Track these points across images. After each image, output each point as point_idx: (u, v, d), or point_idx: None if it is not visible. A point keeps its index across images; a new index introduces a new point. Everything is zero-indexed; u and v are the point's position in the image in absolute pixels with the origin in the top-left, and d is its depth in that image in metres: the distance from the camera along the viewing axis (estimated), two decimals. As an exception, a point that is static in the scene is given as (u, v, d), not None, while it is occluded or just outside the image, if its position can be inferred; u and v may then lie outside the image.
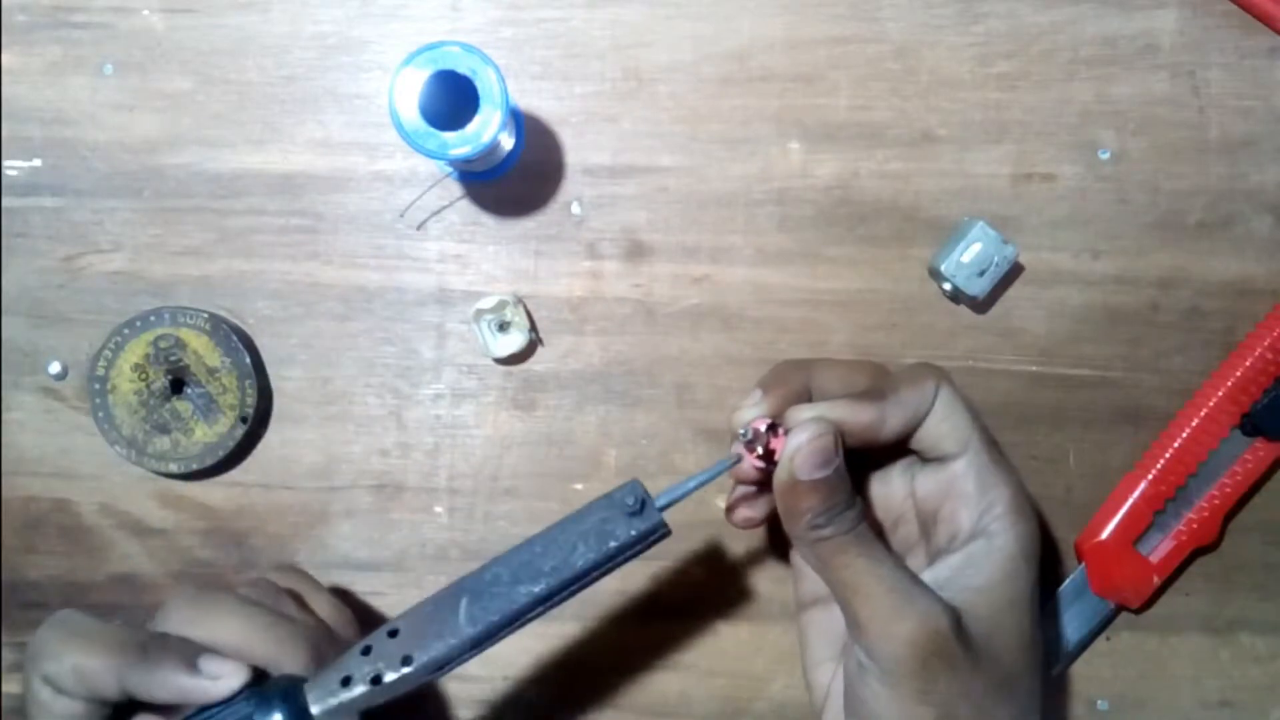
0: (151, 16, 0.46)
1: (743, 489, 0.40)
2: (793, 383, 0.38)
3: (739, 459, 0.37)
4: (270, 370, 0.46)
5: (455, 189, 0.46)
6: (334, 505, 0.47)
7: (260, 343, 0.46)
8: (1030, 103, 0.45)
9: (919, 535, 0.40)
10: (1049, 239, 0.46)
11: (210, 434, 0.45)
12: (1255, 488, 0.45)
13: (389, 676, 0.32)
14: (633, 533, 0.35)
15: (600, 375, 0.46)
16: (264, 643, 0.35)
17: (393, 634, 0.33)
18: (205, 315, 0.45)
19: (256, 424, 0.46)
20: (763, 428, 0.36)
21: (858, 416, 0.37)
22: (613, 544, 0.34)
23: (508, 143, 0.44)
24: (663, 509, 0.35)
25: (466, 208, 0.46)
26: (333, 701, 0.32)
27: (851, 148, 0.46)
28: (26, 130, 0.46)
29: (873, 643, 0.35)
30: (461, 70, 0.39)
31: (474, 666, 0.46)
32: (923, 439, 0.38)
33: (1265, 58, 0.45)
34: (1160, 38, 0.45)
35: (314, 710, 0.32)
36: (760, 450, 0.36)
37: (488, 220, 0.46)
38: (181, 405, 0.45)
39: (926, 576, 0.37)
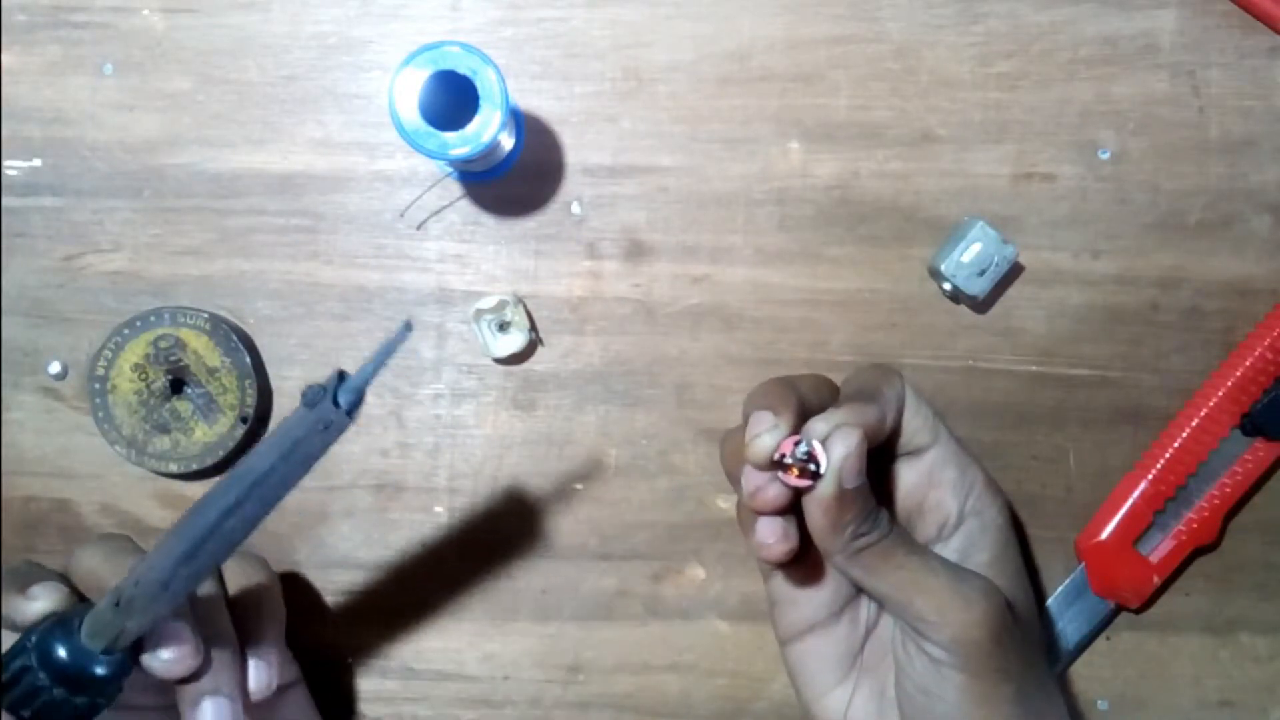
0: (151, 16, 0.46)
1: (769, 521, 0.36)
2: (793, 400, 0.37)
3: (408, 327, 0.34)
4: (270, 370, 0.46)
5: (455, 189, 0.46)
6: (334, 505, 0.47)
7: (260, 343, 0.46)
8: (1030, 103, 0.45)
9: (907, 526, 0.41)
10: (1049, 239, 0.46)
11: (210, 434, 0.45)
12: (1255, 488, 0.45)
13: (127, 595, 0.34)
14: (309, 424, 0.34)
15: (600, 375, 0.46)
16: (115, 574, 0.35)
17: (134, 569, 0.35)
18: (205, 315, 0.45)
19: (257, 424, 0.46)
20: (800, 448, 0.35)
21: (869, 418, 0.36)
22: (290, 441, 0.34)
23: (508, 143, 0.44)
24: (348, 400, 0.34)
25: (466, 208, 0.46)
26: (96, 623, 0.34)
27: (851, 148, 0.46)
28: (26, 130, 0.46)
29: (949, 635, 0.35)
30: (461, 70, 0.39)
31: (474, 666, 0.46)
32: (900, 433, 0.39)
33: (1265, 58, 0.45)
34: (1160, 38, 0.45)
35: (83, 630, 0.34)
36: (812, 468, 0.35)
37: (488, 220, 0.46)
38: (181, 405, 0.45)
39: None
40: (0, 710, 0.34)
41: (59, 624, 0.35)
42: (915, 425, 0.39)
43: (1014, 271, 0.45)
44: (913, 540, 0.37)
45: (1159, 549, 0.45)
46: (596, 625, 0.47)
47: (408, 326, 0.33)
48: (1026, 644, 0.37)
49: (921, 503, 0.39)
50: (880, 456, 0.40)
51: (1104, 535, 0.45)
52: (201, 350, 0.45)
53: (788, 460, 0.35)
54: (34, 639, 0.34)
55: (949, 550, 0.39)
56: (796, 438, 0.35)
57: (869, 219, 0.46)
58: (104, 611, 0.34)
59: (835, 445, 0.35)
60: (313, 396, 0.34)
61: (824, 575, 0.40)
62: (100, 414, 0.45)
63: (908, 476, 0.40)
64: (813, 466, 0.35)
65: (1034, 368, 0.46)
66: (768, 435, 0.35)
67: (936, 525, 0.39)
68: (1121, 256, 0.46)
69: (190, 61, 0.46)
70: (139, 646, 0.35)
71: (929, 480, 0.39)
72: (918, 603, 0.35)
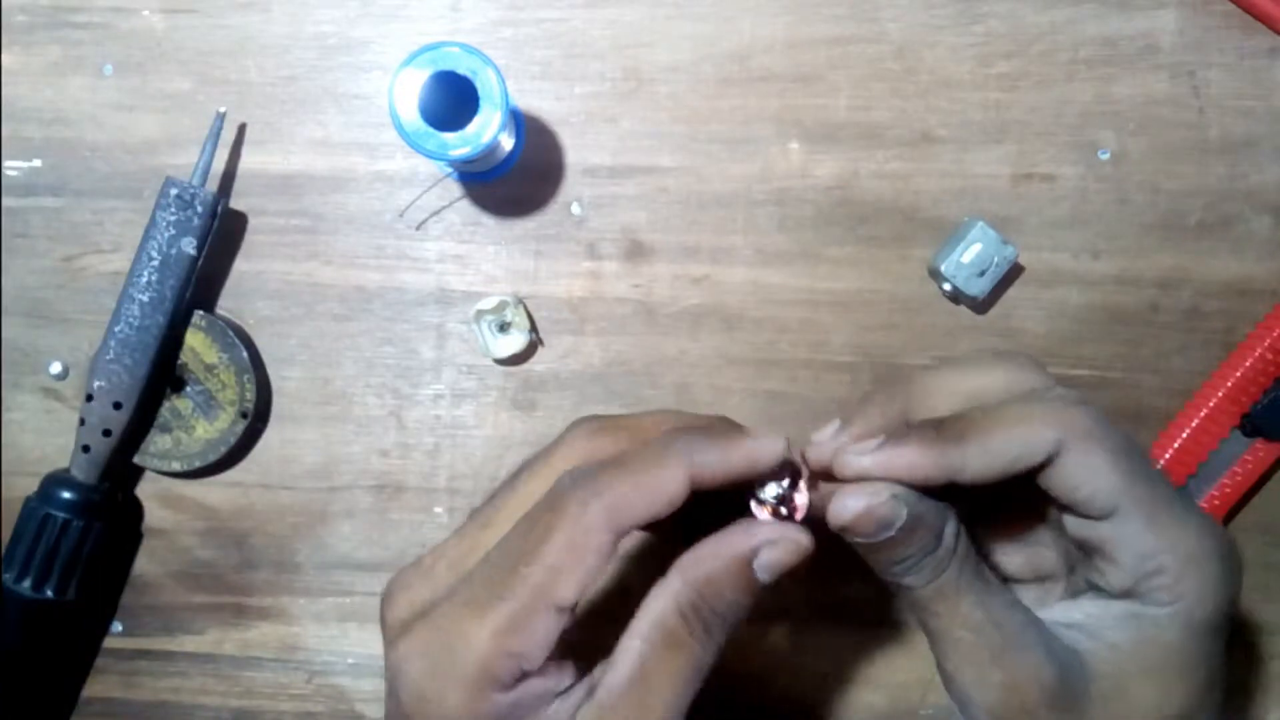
0: (151, 16, 0.46)
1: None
2: (882, 412, 0.31)
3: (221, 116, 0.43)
4: (270, 370, 0.46)
5: (455, 189, 0.46)
6: (334, 505, 0.47)
7: (260, 343, 0.46)
8: (1030, 103, 0.45)
9: (1061, 563, 0.33)
10: (1049, 239, 0.46)
11: (211, 430, 0.45)
12: (1255, 488, 0.45)
13: (85, 411, 0.43)
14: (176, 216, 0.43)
15: (600, 375, 0.46)
16: None
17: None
18: (200, 313, 0.45)
19: (257, 419, 0.46)
20: (774, 489, 0.31)
21: (919, 468, 0.29)
22: (153, 243, 0.43)
23: (508, 143, 0.44)
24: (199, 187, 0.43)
25: (466, 208, 0.46)
26: (81, 460, 0.44)
27: (851, 148, 0.46)
28: (26, 130, 0.46)
29: (959, 695, 0.30)
30: (461, 71, 0.39)
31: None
32: (1053, 489, 0.30)
33: (1265, 58, 0.45)
34: (1160, 38, 0.45)
35: (73, 471, 0.44)
36: (784, 511, 0.31)
37: (488, 220, 0.46)
38: (181, 403, 0.45)
39: (1058, 610, 0.32)
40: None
41: (52, 477, 0.44)
42: (1074, 495, 0.29)
43: (1014, 272, 0.45)
44: (969, 588, 0.30)
45: (1159, 549, 0.45)
46: (597, 626, 0.46)
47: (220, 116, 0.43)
48: None
49: (1084, 552, 0.32)
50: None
51: (1104, 535, 0.45)
52: (198, 347, 0.45)
53: (774, 502, 0.30)
54: (37, 491, 0.44)
55: (1083, 609, 0.31)
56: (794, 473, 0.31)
57: (869, 219, 0.46)
58: (76, 450, 0.43)
59: (839, 499, 0.29)
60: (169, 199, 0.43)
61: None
62: (100, 414, 0.45)
63: (1071, 523, 0.31)
64: (784, 510, 0.31)
65: (1034, 368, 0.46)
66: (818, 445, 0.30)
67: (1092, 581, 0.32)
68: (1121, 256, 0.46)
69: (190, 61, 0.46)
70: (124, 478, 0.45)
71: (1094, 544, 0.30)
72: (938, 655, 0.31)
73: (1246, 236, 0.46)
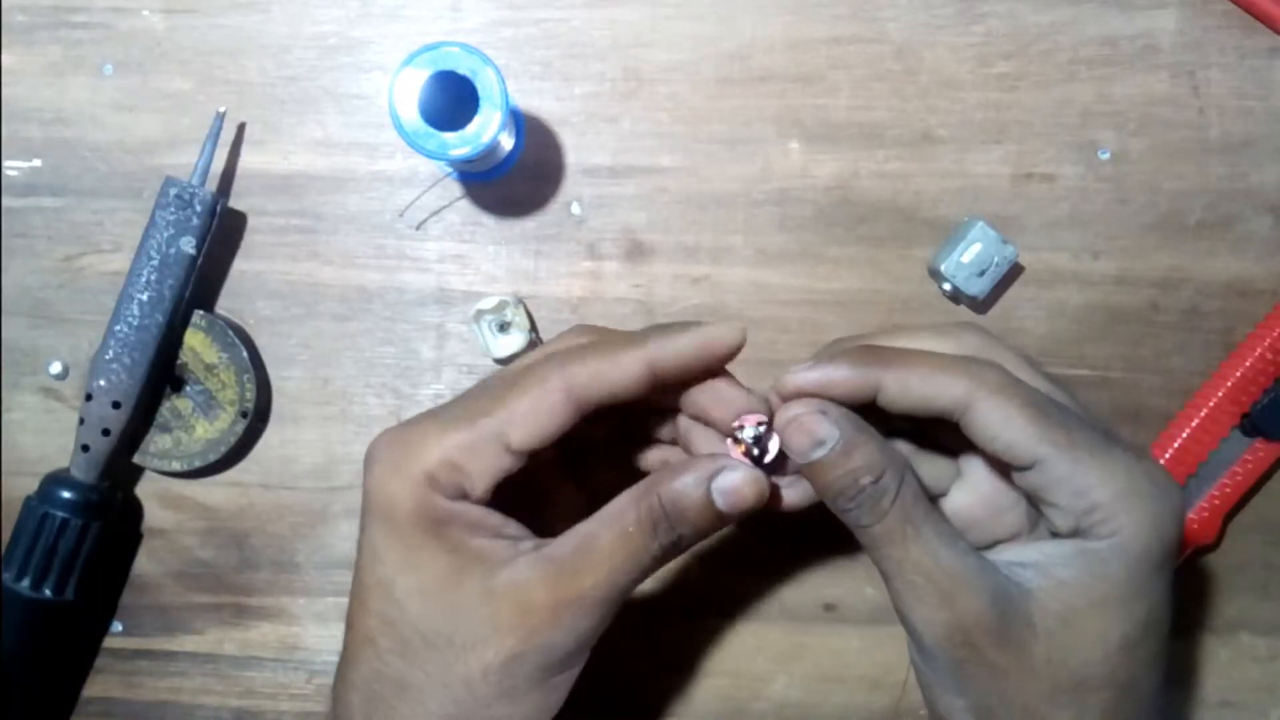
0: (151, 16, 0.46)
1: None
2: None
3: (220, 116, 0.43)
4: (270, 370, 0.46)
5: (455, 189, 0.46)
6: (334, 505, 0.47)
7: (260, 343, 0.46)
8: (1030, 103, 0.45)
9: (1025, 522, 0.36)
10: (1049, 239, 0.46)
11: (211, 430, 0.45)
12: (1255, 488, 0.45)
13: (84, 412, 0.43)
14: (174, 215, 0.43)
15: (600, 375, 0.46)
16: None
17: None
18: (200, 312, 0.45)
19: (257, 419, 0.46)
20: (759, 430, 0.33)
21: (843, 381, 0.33)
22: (153, 242, 0.43)
23: (508, 143, 0.44)
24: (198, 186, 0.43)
25: (466, 208, 0.46)
26: (80, 459, 0.44)
27: (851, 148, 0.46)
28: (26, 130, 0.46)
29: (910, 629, 0.33)
30: (461, 71, 0.39)
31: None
32: (976, 441, 0.32)
33: (1265, 58, 0.45)
34: (1160, 38, 0.45)
35: (73, 470, 0.44)
36: (756, 452, 0.33)
37: (488, 220, 0.46)
38: (181, 403, 0.45)
39: (1013, 551, 0.34)
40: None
41: (51, 476, 0.44)
42: (992, 446, 0.32)
43: (1014, 272, 0.45)
44: (916, 528, 0.32)
45: (1159, 549, 0.45)
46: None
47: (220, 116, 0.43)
48: (1029, 674, 0.32)
49: (1029, 501, 0.35)
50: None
51: (1104, 535, 0.45)
52: (199, 348, 0.45)
53: (741, 437, 0.33)
54: (37, 490, 0.44)
55: (1039, 549, 0.33)
56: (761, 418, 0.34)
57: (869, 219, 0.46)
58: (76, 450, 0.43)
59: (780, 413, 0.33)
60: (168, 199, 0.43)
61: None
62: (100, 414, 0.45)
63: (1017, 483, 0.34)
64: (755, 451, 0.33)
65: (1034, 368, 0.46)
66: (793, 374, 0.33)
67: (1046, 525, 0.34)
68: (1121, 256, 0.46)
69: (190, 61, 0.46)
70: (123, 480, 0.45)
71: (1032, 491, 0.33)
72: (890, 591, 0.33)
73: (1246, 236, 0.46)
